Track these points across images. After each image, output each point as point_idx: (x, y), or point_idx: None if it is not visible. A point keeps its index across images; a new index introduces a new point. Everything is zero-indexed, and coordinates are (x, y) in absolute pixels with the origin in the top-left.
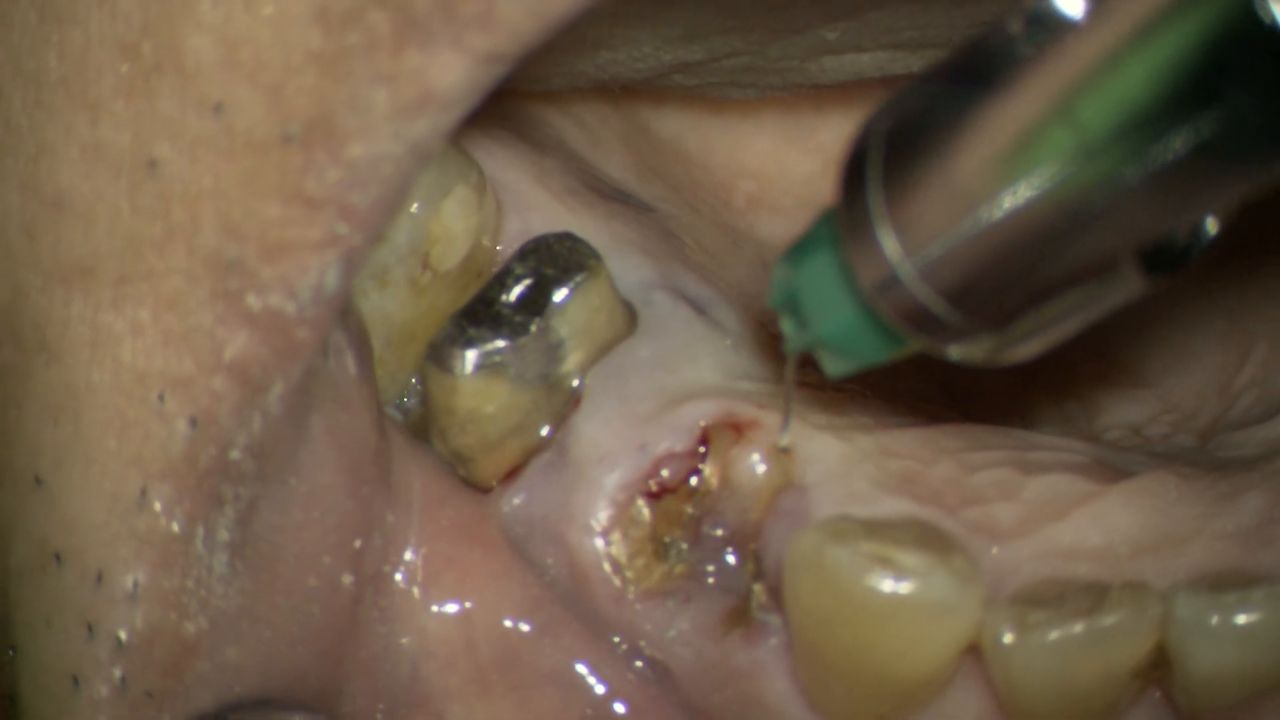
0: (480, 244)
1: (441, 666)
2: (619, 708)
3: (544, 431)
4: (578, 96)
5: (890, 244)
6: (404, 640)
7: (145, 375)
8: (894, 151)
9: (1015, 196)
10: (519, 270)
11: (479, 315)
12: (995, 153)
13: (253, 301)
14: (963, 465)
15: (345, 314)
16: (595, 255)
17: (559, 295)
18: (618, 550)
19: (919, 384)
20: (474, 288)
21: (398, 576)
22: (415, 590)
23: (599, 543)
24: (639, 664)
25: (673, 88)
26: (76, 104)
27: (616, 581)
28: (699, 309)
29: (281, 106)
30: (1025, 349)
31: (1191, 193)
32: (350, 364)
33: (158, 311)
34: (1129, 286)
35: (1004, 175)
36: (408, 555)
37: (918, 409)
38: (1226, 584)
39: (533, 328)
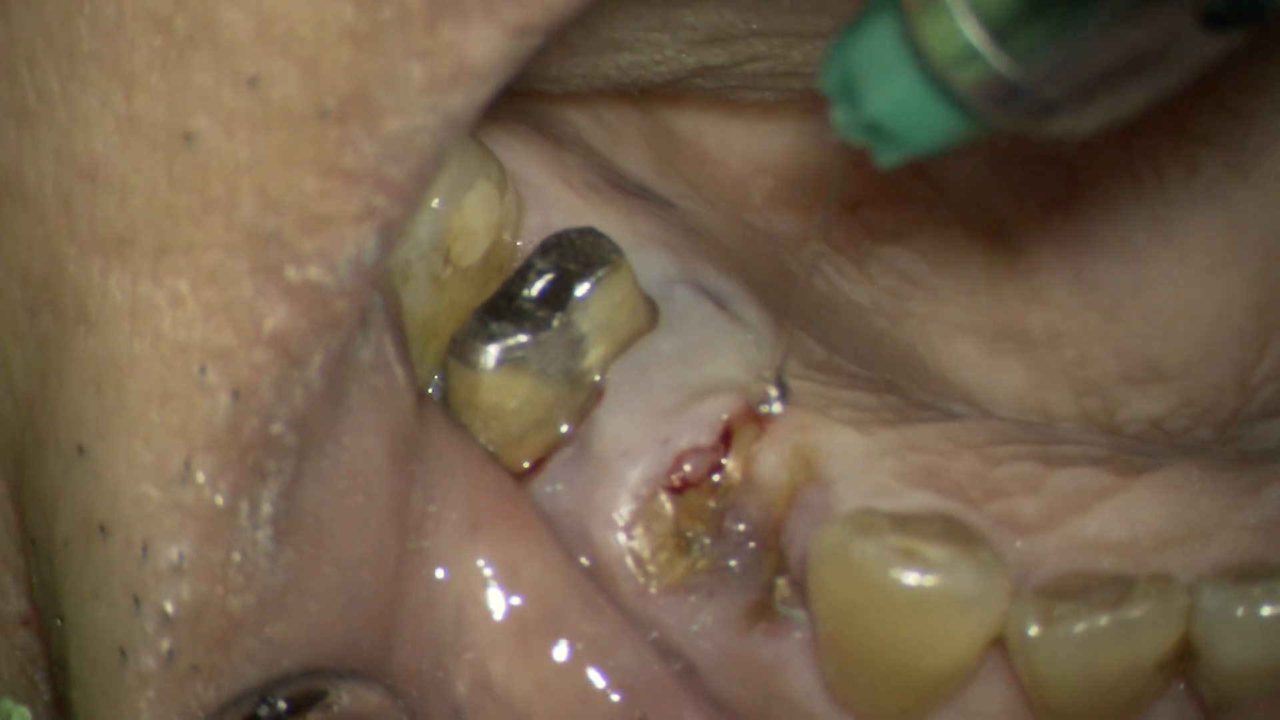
0: (501, 239)
1: (486, 615)
2: (646, 697)
3: (565, 427)
4: (597, 94)
5: (962, 12)
6: (450, 582)
7: (186, 347)
8: None
9: None
10: (540, 265)
11: (501, 310)
12: None
13: (292, 274)
14: (985, 459)
15: (379, 282)
16: (617, 250)
17: (581, 290)
18: (640, 545)
19: (932, 385)
20: (495, 283)
21: (446, 518)
22: (464, 534)
23: (622, 537)
24: (667, 656)
25: (691, 90)
26: (110, 77)
27: (639, 577)
28: (720, 303)
29: (317, 81)
30: (1093, 118)
31: None
32: (386, 331)
33: (197, 284)
34: (1196, 45)
35: None
36: (455, 503)
37: (937, 406)
38: (1252, 576)
39: (555, 323)
